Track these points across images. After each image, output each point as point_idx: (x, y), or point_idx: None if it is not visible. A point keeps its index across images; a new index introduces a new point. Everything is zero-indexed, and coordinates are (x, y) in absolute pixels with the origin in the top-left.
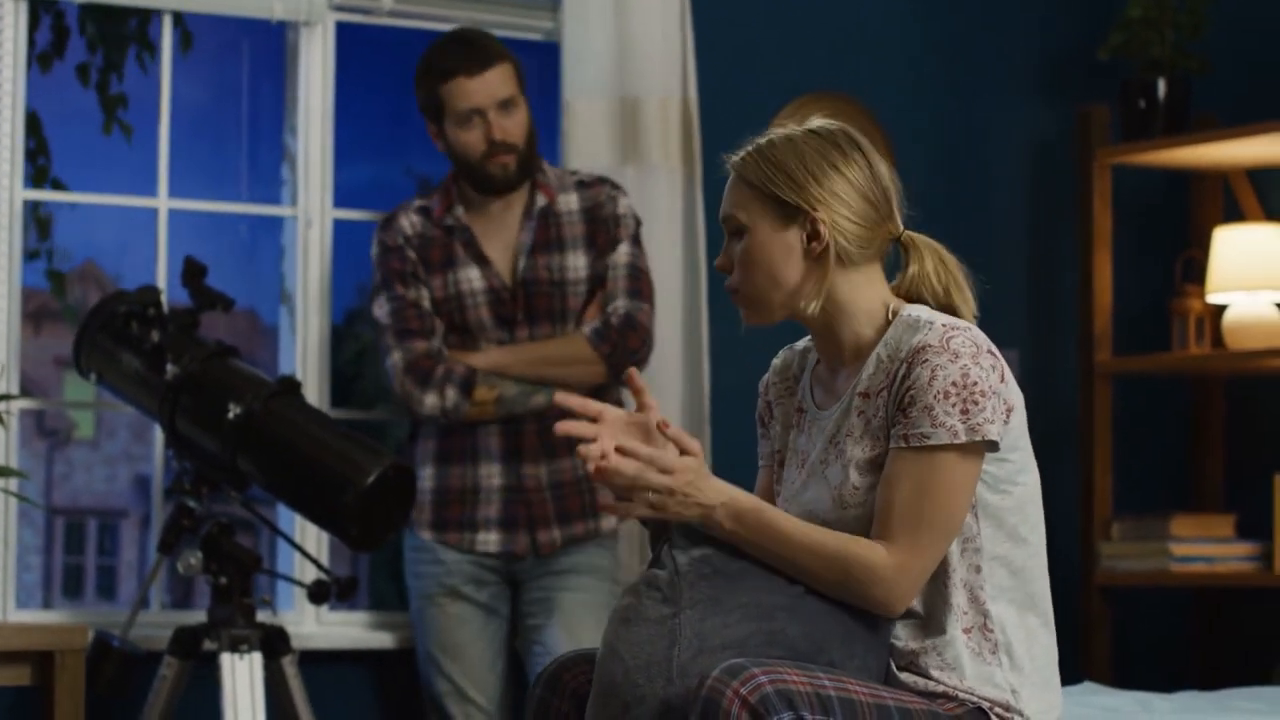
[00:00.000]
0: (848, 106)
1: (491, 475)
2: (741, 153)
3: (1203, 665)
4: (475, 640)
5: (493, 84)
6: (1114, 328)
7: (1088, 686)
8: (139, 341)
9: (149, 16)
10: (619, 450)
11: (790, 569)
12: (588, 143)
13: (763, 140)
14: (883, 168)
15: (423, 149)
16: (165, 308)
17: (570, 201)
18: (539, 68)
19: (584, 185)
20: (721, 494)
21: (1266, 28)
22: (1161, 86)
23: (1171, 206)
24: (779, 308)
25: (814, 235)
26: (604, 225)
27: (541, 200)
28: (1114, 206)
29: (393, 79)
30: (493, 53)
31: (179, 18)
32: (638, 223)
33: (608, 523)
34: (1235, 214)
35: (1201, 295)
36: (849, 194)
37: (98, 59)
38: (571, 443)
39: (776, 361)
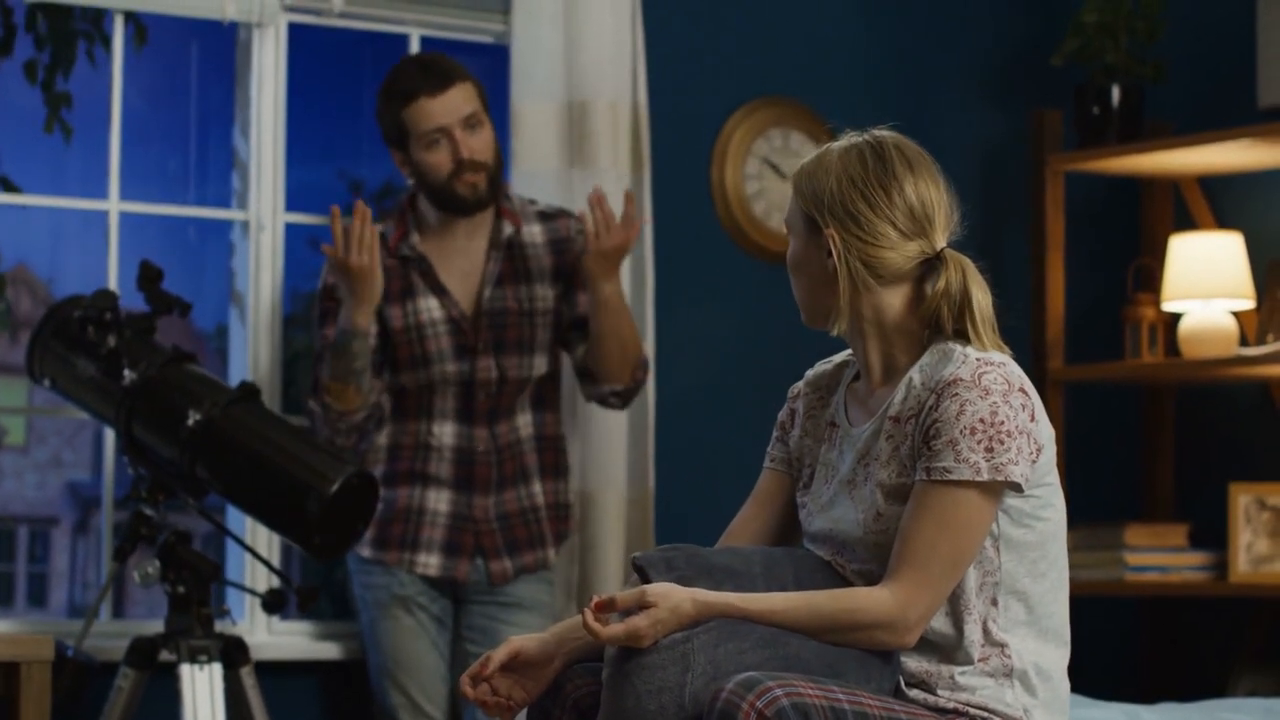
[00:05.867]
0: (798, 111)
1: (440, 500)
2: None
3: (1156, 675)
4: (429, 653)
5: (455, 102)
6: (1066, 336)
7: (1072, 699)
8: (95, 347)
9: (100, 15)
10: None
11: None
12: (536, 146)
13: (822, 148)
14: (913, 185)
15: (357, 153)
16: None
17: (534, 234)
18: (490, 71)
19: (546, 217)
20: (695, 604)
21: (1220, 35)
22: (1115, 93)
23: (1121, 214)
24: (818, 317)
25: (829, 252)
26: (576, 261)
27: (508, 228)
28: (1065, 213)
29: (324, 81)
30: (454, 72)
31: (130, 17)
32: None
33: (553, 554)
34: (1186, 221)
35: (1153, 303)
36: (866, 213)
37: (45, 56)
38: (521, 472)
39: (810, 373)
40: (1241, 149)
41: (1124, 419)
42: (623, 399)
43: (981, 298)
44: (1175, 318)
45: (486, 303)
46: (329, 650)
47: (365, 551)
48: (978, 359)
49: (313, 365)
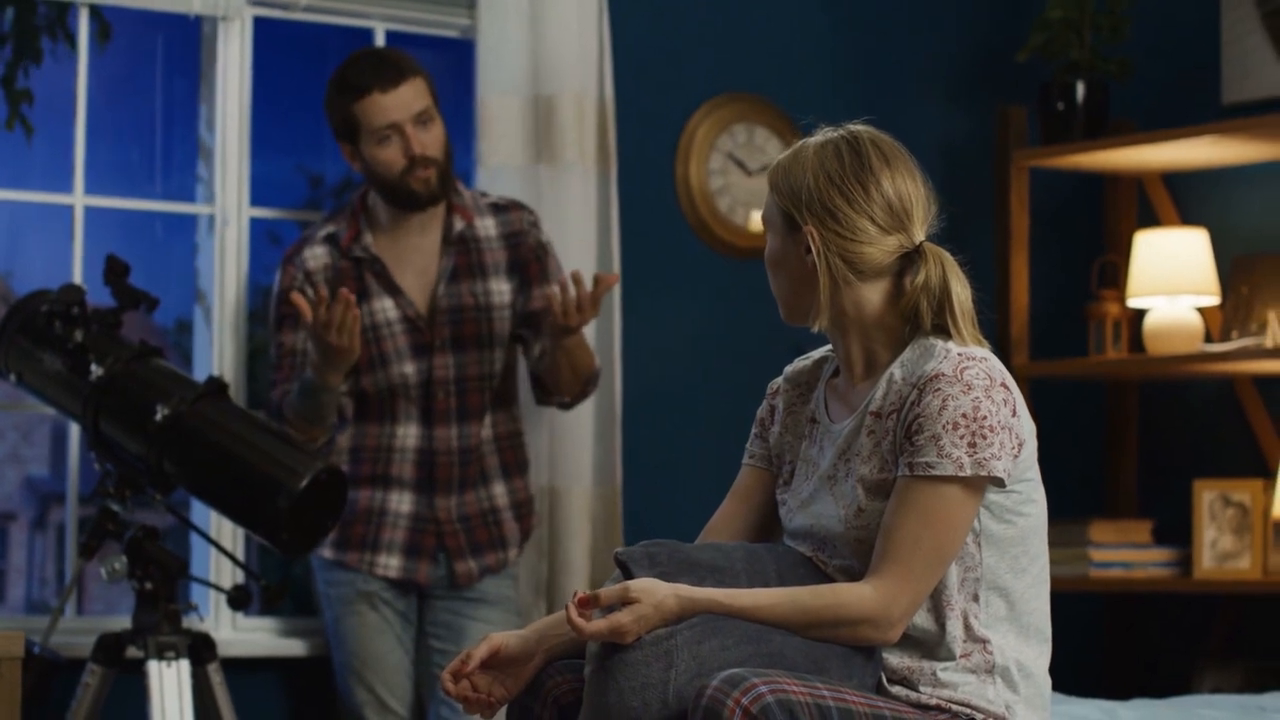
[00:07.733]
0: (762, 107)
1: (402, 502)
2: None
3: (1119, 672)
4: (394, 649)
5: (408, 98)
6: (1030, 332)
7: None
8: (62, 341)
9: (64, 10)
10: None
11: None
12: (502, 140)
13: (798, 144)
14: (890, 179)
15: (319, 147)
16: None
17: (488, 226)
18: (454, 65)
19: (499, 209)
20: (679, 600)
21: (1184, 32)
22: (1080, 89)
23: (1086, 210)
24: (798, 313)
25: (808, 249)
26: (531, 254)
27: (459, 224)
28: (1030, 210)
29: (286, 75)
30: (407, 68)
31: (95, 13)
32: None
33: (514, 553)
34: (1151, 218)
35: (1118, 299)
36: (844, 209)
37: (7, 51)
38: (481, 473)
39: (789, 369)
40: (1206, 145)
41: (1088, 415)
42: (569, 406)
43: (961, 291)
44: (1140, 314)
45: (441, 300)
46: (294, 647)
47: (327, 553)
48: (959, 354)
49: (271, 382)
